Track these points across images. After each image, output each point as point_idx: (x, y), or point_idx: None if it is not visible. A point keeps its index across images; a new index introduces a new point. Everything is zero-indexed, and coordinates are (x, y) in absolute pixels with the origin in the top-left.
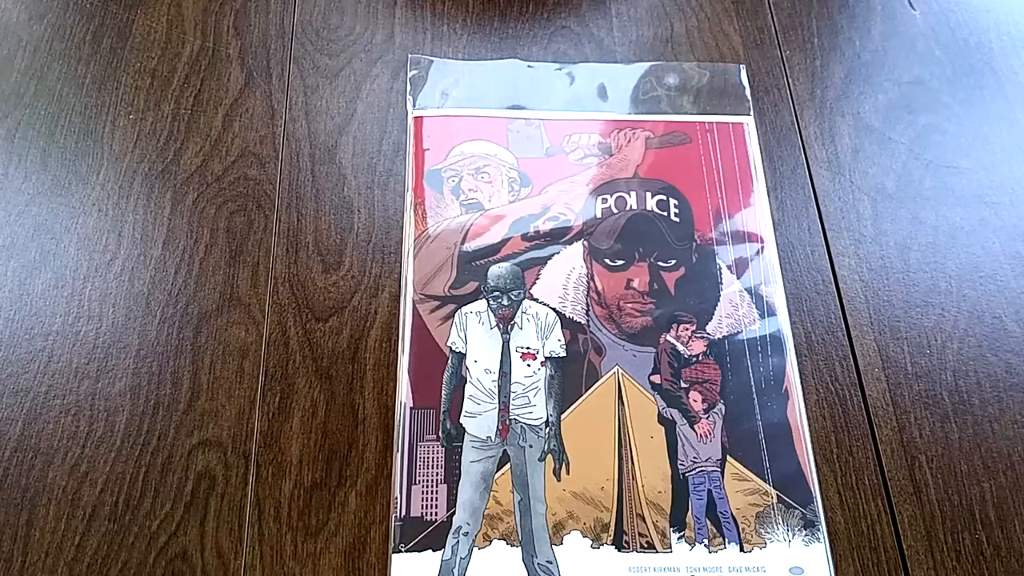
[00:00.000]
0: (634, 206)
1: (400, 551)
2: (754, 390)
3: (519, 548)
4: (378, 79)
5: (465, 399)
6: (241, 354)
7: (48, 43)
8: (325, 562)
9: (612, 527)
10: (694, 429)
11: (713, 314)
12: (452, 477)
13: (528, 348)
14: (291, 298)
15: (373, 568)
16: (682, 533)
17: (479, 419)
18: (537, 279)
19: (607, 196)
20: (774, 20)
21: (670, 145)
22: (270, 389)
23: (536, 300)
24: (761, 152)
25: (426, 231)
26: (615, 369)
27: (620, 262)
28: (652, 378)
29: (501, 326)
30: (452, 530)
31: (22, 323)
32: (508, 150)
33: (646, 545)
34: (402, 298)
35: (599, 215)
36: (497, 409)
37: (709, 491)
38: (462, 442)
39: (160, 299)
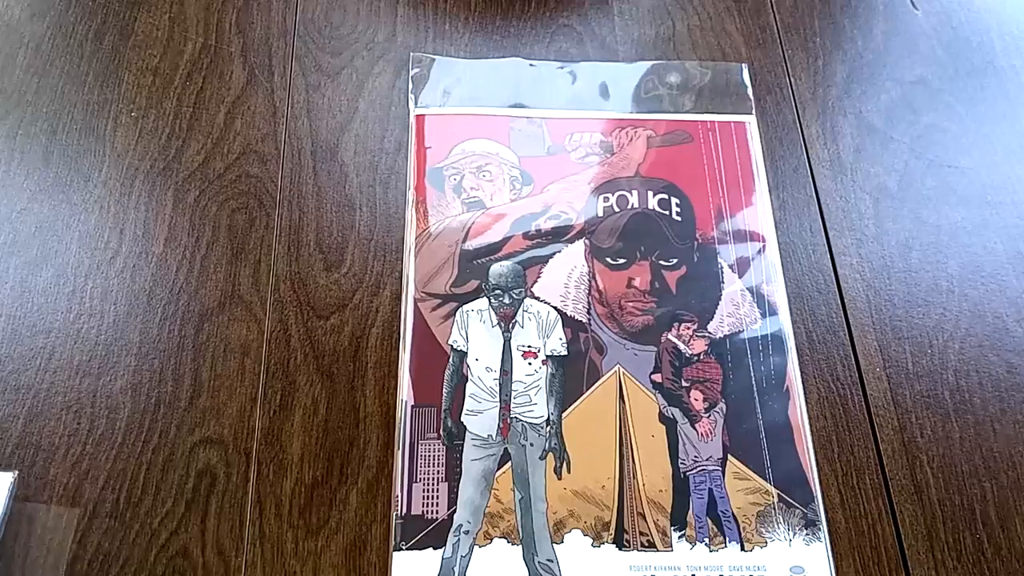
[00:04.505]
0: (636, 205)
1: (401, 549)
2: (755, 389)
3: (520, 546)
4: (380, 77)
5: (466, 397)
6: (242, 351)
7: (50, 41)
8: (326, 560)
9: (613, 526)
10: (695, 428)
11: (714, 313)
12: (453, 475)
13: (529, 346)
14: (292, 296)
15: (374, 566)
16: (683, 532)
17: (480, 417)
18: (538, 277)
19: (609, 195)
20: (776, 19)
21: (672, 144)
22: (271, 387)
23: (537, 298)
24: (763, 151)
25: (427, 229)
26: (616, 368)
27: (621, 261)
28: (653, 377)
29: (502, 324)
30: (453, 528)
31: (24, 320)
32: (510, 148)
33: (647, 544)
34: (403, 296)
35: (601, 214)
36: (498, 407)
37: (710, 490)
38: (463, 440)
39: (161, 296)
